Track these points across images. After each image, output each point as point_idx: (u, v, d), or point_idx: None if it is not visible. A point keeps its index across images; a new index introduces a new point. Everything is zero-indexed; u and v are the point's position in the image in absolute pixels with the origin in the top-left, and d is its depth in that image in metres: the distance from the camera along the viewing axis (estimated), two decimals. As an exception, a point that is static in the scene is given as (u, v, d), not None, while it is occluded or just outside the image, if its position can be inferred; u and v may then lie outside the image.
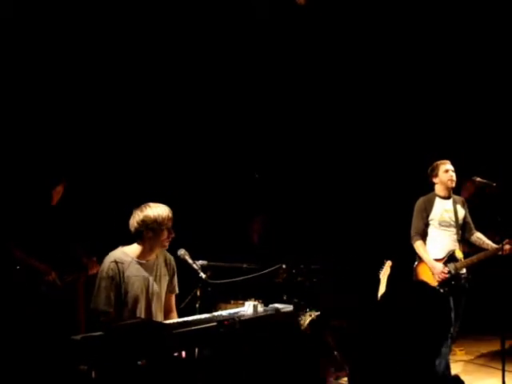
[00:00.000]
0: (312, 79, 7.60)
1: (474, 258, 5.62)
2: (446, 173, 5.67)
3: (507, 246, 5.41)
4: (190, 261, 4.09)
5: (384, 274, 5.71)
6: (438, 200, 5.71)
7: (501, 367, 4.93)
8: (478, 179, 5.61)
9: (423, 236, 5.68)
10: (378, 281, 5.71)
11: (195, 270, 4.05)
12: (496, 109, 7.78)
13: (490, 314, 6.19)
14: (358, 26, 7.24)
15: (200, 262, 4.16)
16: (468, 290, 5.64)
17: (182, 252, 4.13)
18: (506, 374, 4.92)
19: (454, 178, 5.65)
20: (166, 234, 3.95)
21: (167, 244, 4.02)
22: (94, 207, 5.84)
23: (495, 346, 6.63)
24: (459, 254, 5.60)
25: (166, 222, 3.93)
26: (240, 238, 7.04)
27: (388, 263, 5.73)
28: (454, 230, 5.65)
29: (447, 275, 5.49)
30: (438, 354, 2.00)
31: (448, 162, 5.71)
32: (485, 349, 6.98)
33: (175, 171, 6.79)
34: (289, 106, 7.63)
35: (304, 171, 7.76)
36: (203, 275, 4.04)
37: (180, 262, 4.14)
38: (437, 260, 5.58)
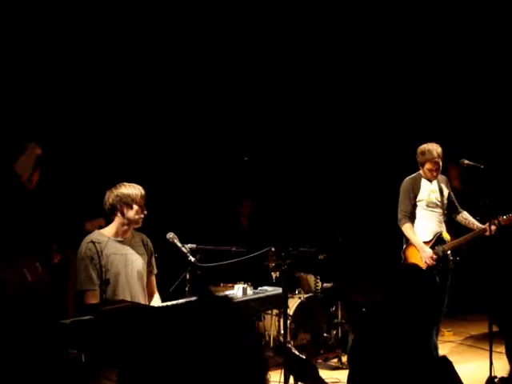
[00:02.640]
0: (301, 67, 7.58)
1: (461, 239, 5.61)
2: (429, 171, 5.57)
3: (493, 227, 5.40)
4: (179, 244, 4.09)
5: None
6: (423, 180, 5.63)
7: (488, 348, 4.97)
8: (466, 162, 5.55)
9: (411, 218, 5.61)
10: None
11: (184, 254, 4.06)
12: (485, 94, 7.78)
13: (478, 295, 6.25)
14: (352, 20, 7.25)
15: (189, 246, 4.16)
16: (453, 271, 5.66)
17: (170, 235, 4.13)
18: (494, 354, 4.96)
19: (437, 174, 5.58)
20: (139, 210, 4.03)
21: (140, 221, 4.08)
22: (80, 191, 5.79)
23: (483, 327, 6.69)
24: (446, 236, 5.58)
25: (139, 200, 4.04)
26: (229, 221, 7.04)
27: None
28: (440, 210, 5.61)
29: (435, 261, 5.47)
30: (429, 335, 2.02)
31: (435, 158, 5.49)
32: (473, 330, 7.04)
33: (164, 155, 6.76)
34: (279, 91, 7.61)
35: (293, 154, 7.74)
36: (192, 259, 4.04)
37: (169, 245, 4.14)
38: (425, 243, 5.55)
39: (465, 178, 7.03)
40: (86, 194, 5.43)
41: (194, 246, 4.20)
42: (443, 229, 5.61)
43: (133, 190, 4.05)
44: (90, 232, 4.21)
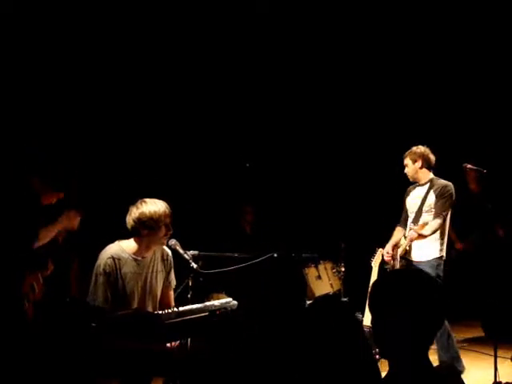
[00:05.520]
0: (302, 72, 7.57)
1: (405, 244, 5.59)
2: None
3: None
4: (182, 251, 4.07)
5: (376, 261, 5.74)
6: (416, 187, 5.67)
7: (493, 353, 4.95)
8: (469, 166, 5.55)
9: (403, 222, 5.70)
10: (370, 268, 5.74)
11: (186, 260, 4.03)
12: (489, 99, 7.76)
13: (480, 300, 6.24)
14: (352, 22, 7.24)
15: (191, 252, 4.14)
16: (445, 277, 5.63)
17: (173, 242, 4.10)
18: (499, 360, 4.94)
19: (408, 173, 5.60)
20: (163, 231, 3.89)
21: (165, 241, 3.98)
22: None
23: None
24: (402, 240, 5.60)
25: (163, 219, 3.86)
26: (232, 228, 7.03)
27: (380, 251, 5.75)
28: (413, 215, 5.58)
29: (390, 257, 5.56)
30: (431, 341, 2.00)
31: (405, 155, 5.63)
32: (477, 335, 7.00)
33: (166, 162, 6.76)
34: (280, 95, 7.60)
35: (295, 160, 7.74)
36: (195, 265, 4.01)
37: (171, 252, 4.13)
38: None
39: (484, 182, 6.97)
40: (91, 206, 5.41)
41: (196, 252, 4.18)
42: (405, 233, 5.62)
43: (154, 208, 3.82)
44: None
